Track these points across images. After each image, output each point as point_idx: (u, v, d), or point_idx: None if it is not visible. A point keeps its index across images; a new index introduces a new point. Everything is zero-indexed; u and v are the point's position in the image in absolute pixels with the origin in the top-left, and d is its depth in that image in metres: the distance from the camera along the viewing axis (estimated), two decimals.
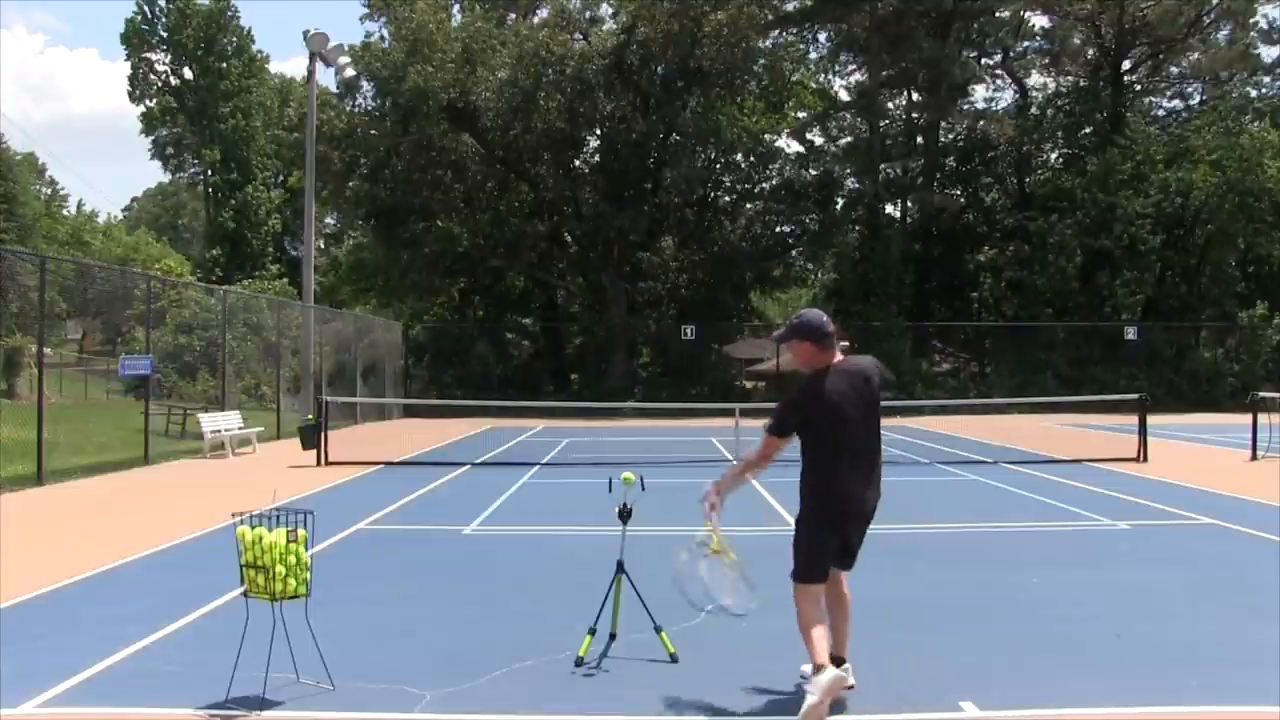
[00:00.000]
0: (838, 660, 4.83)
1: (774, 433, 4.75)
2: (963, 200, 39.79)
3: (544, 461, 16.41)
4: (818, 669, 4.43)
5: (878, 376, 4.79)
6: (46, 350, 18.34)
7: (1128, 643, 5.59)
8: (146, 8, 55.65)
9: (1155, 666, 5.19)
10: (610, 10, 35.87)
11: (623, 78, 32.87)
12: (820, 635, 4.54)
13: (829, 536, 4.68)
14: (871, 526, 4.80)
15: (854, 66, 41.02)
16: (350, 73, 32.12)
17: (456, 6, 37.45)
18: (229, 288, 30.63)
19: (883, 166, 37.83)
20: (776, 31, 37.15)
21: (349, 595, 6.68)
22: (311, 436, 16.20)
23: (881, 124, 38.52)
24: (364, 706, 4.57)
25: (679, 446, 18.98)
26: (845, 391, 4.66)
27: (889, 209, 39.13)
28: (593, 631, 5.29)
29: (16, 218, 45.89)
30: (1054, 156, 39.64)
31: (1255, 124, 35.88)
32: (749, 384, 37.89)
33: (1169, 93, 41.99)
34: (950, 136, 40.40)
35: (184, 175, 65.52)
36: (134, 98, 57.57)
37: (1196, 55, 39.46)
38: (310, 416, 17.40)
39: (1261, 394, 16.88)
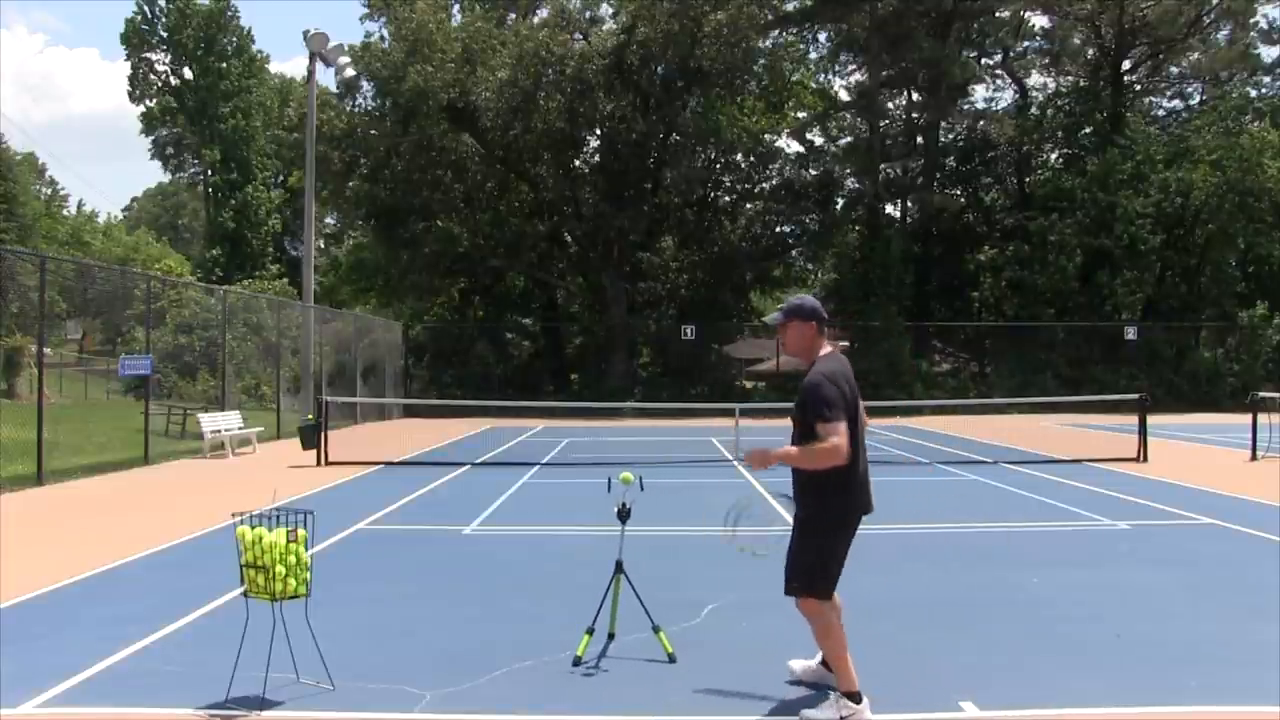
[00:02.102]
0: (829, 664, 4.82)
1: (839, 418, 4.24)
2: (963, 200, 39.77)
3: (544, 461, 16.40)
4: (855, 697, 4.33)
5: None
6: (46, 350, 18.33)
7: (1128, 643, 5.59)
8: (146, 8, 55.69)
9: (1155, 666, 5.19)
10: (610, 10, 35.90)
11: (623, 78, 32.85)
12: (850, 658, 4.40)
13: (845, 539, 4.42)
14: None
15: (854, 66, 41.03)
16: (350, 73, 32.13)
17: (456, 6, 37.45)
18: (229, 288, 30.60)
19: (883, 166, 37.81)
20: (776, 31, 37.14)
21: (349, 595, 6.68)
22: (311, 436, 16.20)
23: (881, 124, 38.49)
24: (364, 706, 4.57)
25: (679, 446, 18.96)
26: (853, 379, 4.59)
27: (889, 209, 39.16)
28: (591, 631, 5.29)
29: (16, 218, 45.84)
30: (1054, 156, 39.63)
31: (1255, 124, 35.82)
32: (749, 384, 37.87)
33: (1169, 93, 42.03)
34: (950, 136, 40.39)
35: (184, 175, 65.61)
36: (134, 98, 57.71)
37: (1196, 55, 39.44)
38: (310, 416, 17.39)
39: (1261, 394, 16.86)
